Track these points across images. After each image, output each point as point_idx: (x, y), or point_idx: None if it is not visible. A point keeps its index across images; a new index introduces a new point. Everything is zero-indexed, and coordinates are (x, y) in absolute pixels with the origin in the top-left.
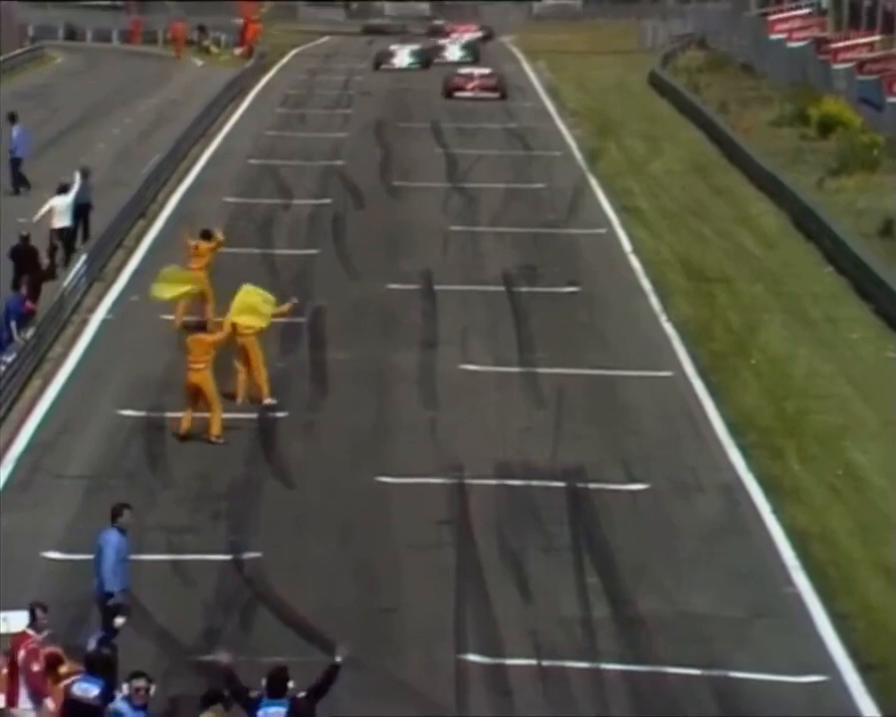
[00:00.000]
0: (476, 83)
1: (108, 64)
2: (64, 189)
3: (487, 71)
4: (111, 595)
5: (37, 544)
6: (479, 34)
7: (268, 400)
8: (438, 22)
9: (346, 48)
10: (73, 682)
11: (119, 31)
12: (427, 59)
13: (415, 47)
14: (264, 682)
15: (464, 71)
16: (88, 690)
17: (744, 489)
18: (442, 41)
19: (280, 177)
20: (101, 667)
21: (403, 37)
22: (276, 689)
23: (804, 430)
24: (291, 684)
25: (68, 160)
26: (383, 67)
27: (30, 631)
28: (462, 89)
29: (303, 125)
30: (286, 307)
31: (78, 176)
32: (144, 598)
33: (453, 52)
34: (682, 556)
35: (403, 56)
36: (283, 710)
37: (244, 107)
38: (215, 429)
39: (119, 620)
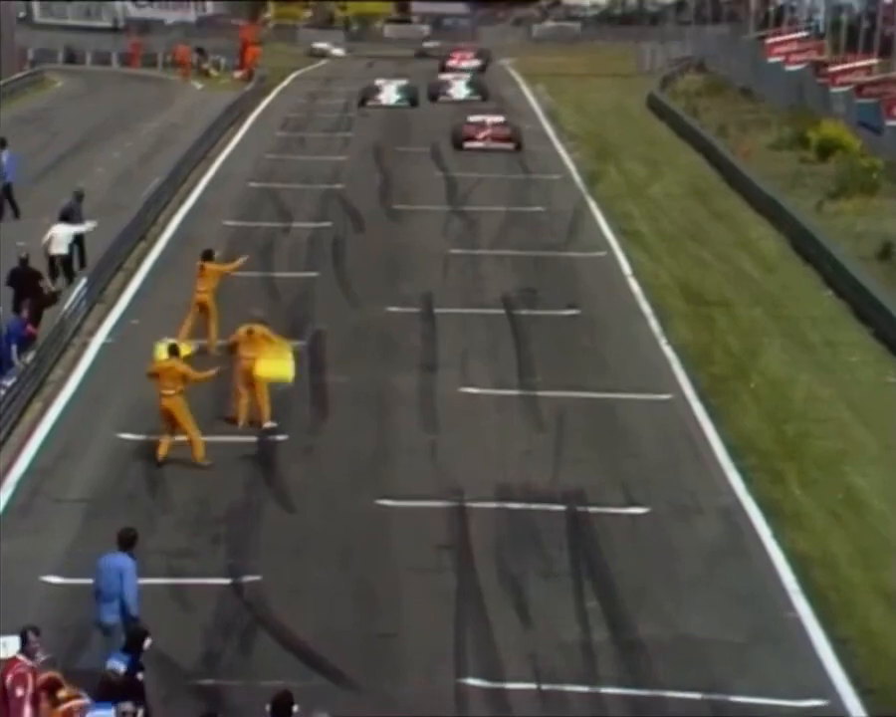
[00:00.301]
0: (488, 132)
1: (108, 87)
2: (65, 217)
3: (500, 119)
4: (136, 619)
5: (36, 568)
6: (476, 63)
7: (268, 424)
8: (429, 44)
9: (347, 71)
10: (85, 711)
11: (119, 54)
12: (415, 96)
13: (402, 82)
14: (268, 707)
15: (475, 119)
16: (117, 666)
17: (744, 513)
18: (445, 76)
19: (280, 200)
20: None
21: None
22: (280, 714)
23: (804, 454)
24: (296, 709)
25: (67, 185)
26: (370, 104)
27: (20, 656)
28: (473, 138)
29: (303, 149)
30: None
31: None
32: (143, 622)
33: (459, 89)
34: (682, 579)
35: (390, 93)
36: (122, 665)
37: (244, 130)
38: (198, 453)
39: (148, 643)
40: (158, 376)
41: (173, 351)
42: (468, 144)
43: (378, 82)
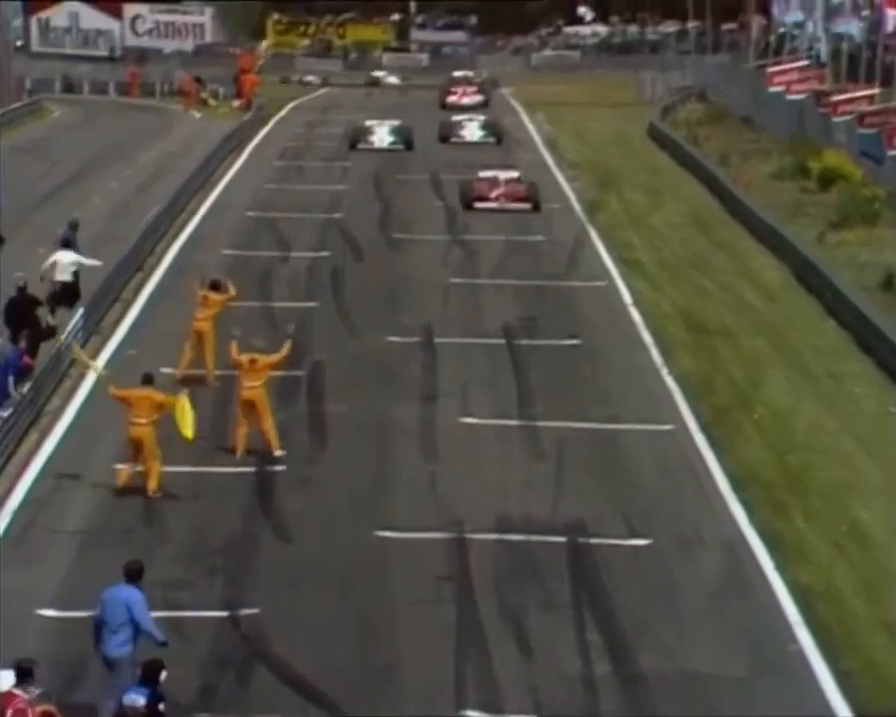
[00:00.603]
0: (502, 191)
1: (105, 116)
2: (66, 243)
3: (515, 174)
4: (166, 643)
5: (31, 601)
6: (479, 98)
7: (278, 452)
8: (379, 73)
9: (345, 99)
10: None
11: (117, 83)
12: (409, 137)
13: (395, 123)
14: (137, 671)
15: (487, 174)
16: (135, 700)
17: (746, 545)
18: (457, 117)
19: (278, 230)
20: (150, 678)
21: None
22: (150, 678)
23: (808, 485)
24: (164, 675)
25: (64, 214)
26: (360, 146)
27: (16, 691)
28: (485, 198)
29: (301, 178)
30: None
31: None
32: (139, 656)
33: (472, 131)
34: (684, 612)
35: (382, 134)
36: (142, 698)
37: (242, 159)
38: (152, 484)
39: (164, 675)
40: (130, 404)
41: (147, 380)
42: (479, 204)
43: (369, 122)
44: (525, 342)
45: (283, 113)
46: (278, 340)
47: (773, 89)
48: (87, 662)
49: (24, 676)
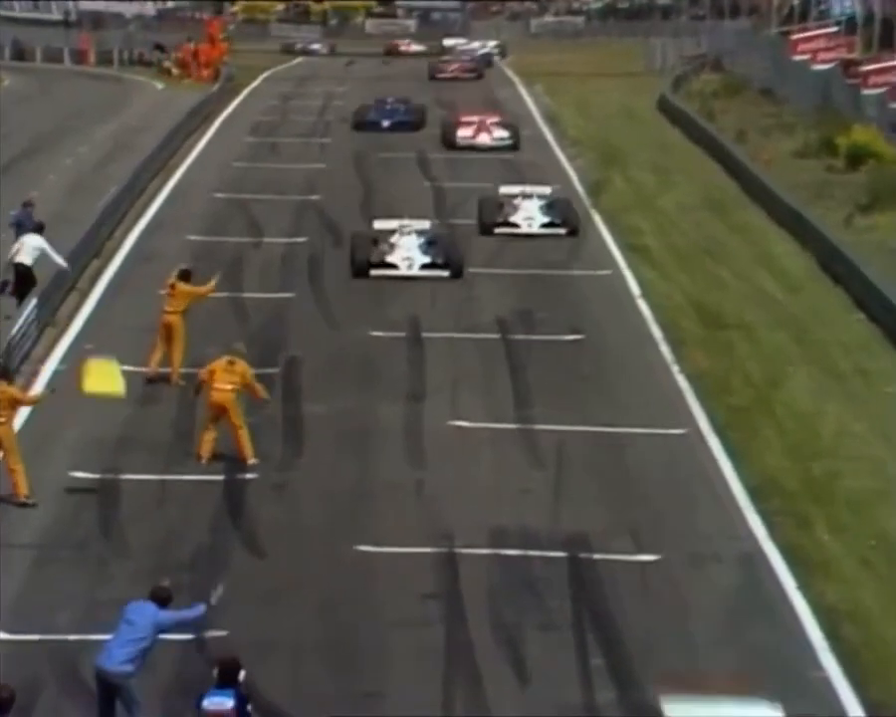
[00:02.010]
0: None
1: (59, 86)
2: (21, 225)
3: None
4: (204, 616)
5: None
6: (504, 134)
7: (252, 461)
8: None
9: (323, 70)
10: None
11: (71, 50)
12: (451, 252)
13: (424, 229)
14: (215, 672)
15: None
16: (222, 703)
17: (766, 561)
18: (506, 189)
19: (249, 213)
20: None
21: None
22: (227, 679)
23: (834, 495)
24: (242, 675)
25: (15, 194)
26: (375, 275)
27: None
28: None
29: (275, 156)
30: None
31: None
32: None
33: (530, 214)
34: (697, 635)
35: (411, 248)
36: (229, 701)
37: (209, 135)
38: (22, 489)
39: (243, 674)
40: None
41: (3, 373)
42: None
43: (391, 231)
44: (521, 337)
45: (255, 84)
46: (248, 335)
47: (796, 57)
48: (39, 690)
49: (1, 708)
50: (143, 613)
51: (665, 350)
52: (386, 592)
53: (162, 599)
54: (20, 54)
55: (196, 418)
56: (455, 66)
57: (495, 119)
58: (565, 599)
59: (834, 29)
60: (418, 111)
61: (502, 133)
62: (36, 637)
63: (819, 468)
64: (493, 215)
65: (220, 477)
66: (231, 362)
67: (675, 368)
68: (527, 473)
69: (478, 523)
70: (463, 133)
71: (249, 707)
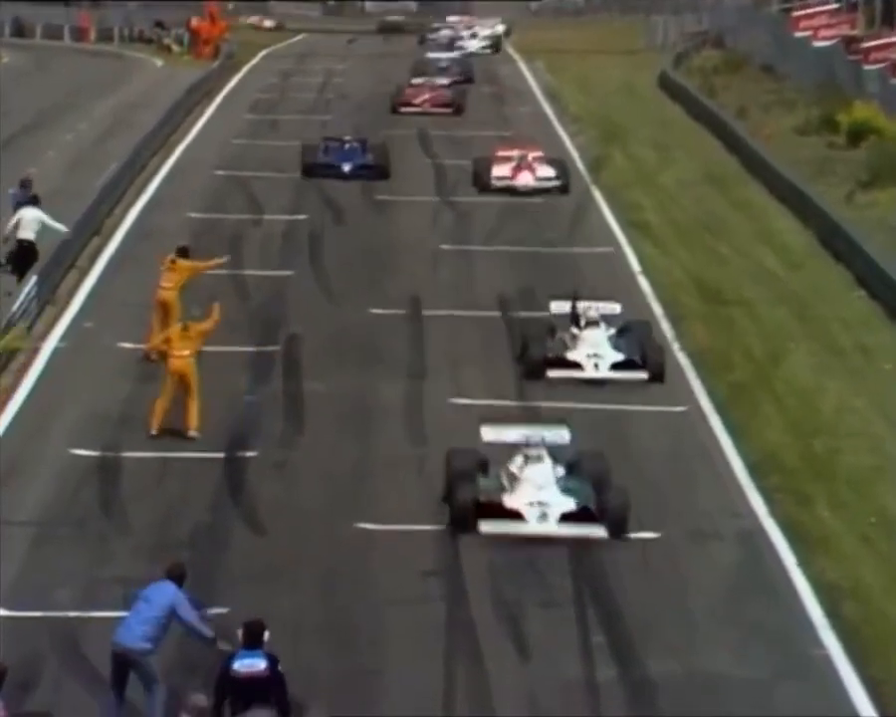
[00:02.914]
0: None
1: (59, 63)
2: (35, 200)
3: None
4: (215, 641)
5: None
6: (550, 174)
7: (192, 433)
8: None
9: (324, 47)
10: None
11: (71, 27)
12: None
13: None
14: (240, 632)
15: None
16: (254, 664)
17: (766, 538)
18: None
19: (249, 190)
20: (258, 639)
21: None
22: (253, 640)
23: (834, 472)
24: (267, 635)
25: (14, 170)
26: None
27: None
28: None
29: (275, 133)
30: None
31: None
32: (97, 659)
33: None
34: (697, 612)
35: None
36: (262, 661)
37: (209, 112)
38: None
39: (267, 634)
40: None
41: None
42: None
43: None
44: (522, 314)
45: (255, 60)
46: (248, 312)
47: (798, 34)
48: (41, 666)
49: None
50: (162, 592)
51: (665, 326)
52: (387, 569)
53: (178, 577)
54: (20, 31)
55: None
56: (426, 96)
57: (538, 154)
58: (566, 577)
59: (836, 5)
60: (381, 153)
61: (547, 171)
62: (37, 614)
63: (820, 445)
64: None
65: (220, 455)
66: (185, 329)
67: (675, 345)
68: None
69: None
70: (499, 172)
71: (280, 668)
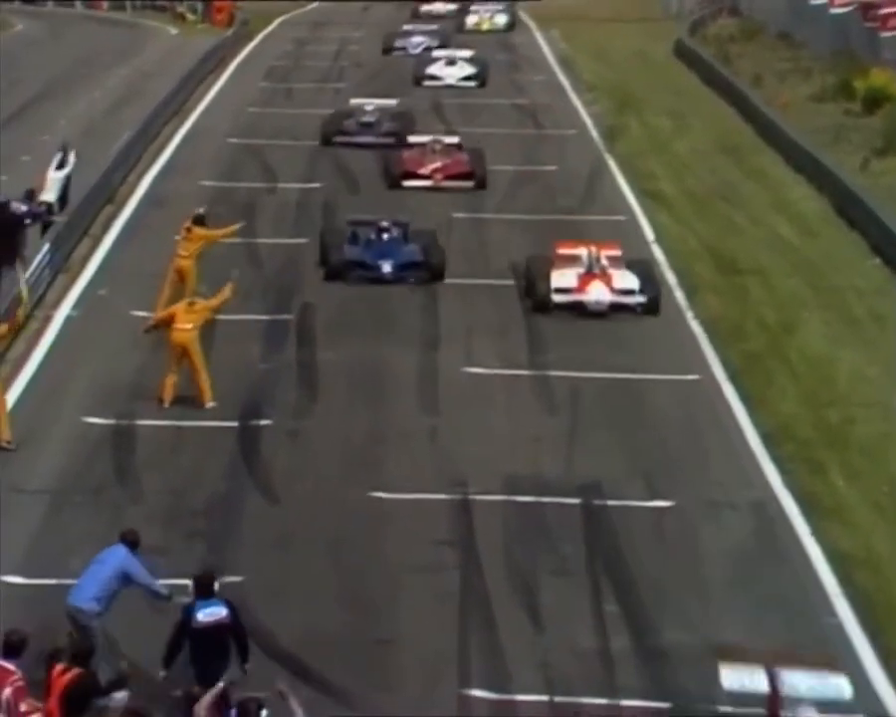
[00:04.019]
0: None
1: (72, 31)
2: (61, 164)
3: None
4: (170, 597)
5: None
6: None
7: (210, 404)
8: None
9: (339, 15)
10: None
11: None
12: None
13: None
14: (190, 584)
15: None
16: (216, 612)
17: (780, 507)
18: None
19: (263, 158)
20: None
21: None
22: (203, 592)
23: (848, 442)
24: (216, 586)
25: (27, 138)
26: None
27: (8, 665)
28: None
29: (289, 101)
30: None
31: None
32: (112, 628)
33: None
34: (711, 581)
35: None
36: (223, 609)
37: (223, 80)
38: (4, 434)
39: (217, 584)
40: None
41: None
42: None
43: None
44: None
45: (270, 28)
46: (262, 280)
47: (814, 1)
48: (55, 633)
49: (12, 652)
50: (114, 555)
51: (679, 295)
52: (400, 538)
53: (131, 542)
54: None
55: (212, 364)
56: (437, 164)
57: (614, 253)
58: (579, 546)
59: None
60: (430, 240)
61: (628, 280)
62: (52, 582)
63: (834, 414)
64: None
65: (234, 424)
66: (191, 304)
67: (689, 314)
68: (541, 419)
69: (492, 469)
70: (561, 282)
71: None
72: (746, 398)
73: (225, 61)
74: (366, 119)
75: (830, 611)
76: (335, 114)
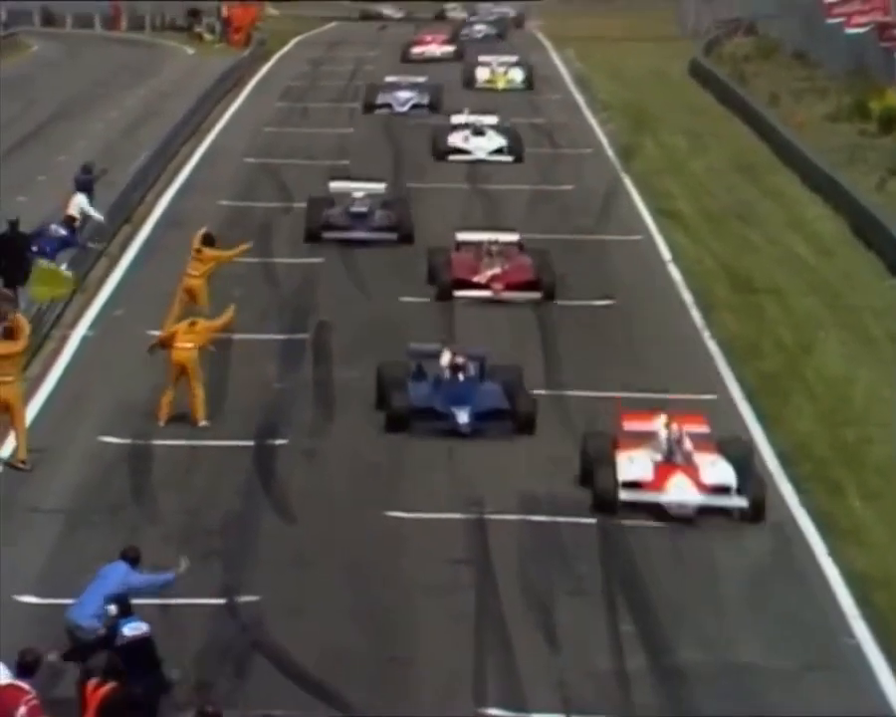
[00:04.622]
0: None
1: (89, 52)
2: (82, 188)
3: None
4: (174, 578)
5: (9, 586)
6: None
7: (203, 423)
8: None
9: (354, 35)
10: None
11: (102, 16)
12: None
13: None
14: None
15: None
16: (139, 627)
17: (797, 527)
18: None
19: (280, 178)
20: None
21: None
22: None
23: (865, 462)
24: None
25: (45, 158)
26: None
27: (23, 684)
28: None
29: (305, 120)
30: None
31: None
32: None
33: None
34: (727, 601)
35: None
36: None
37: (240, 100)
38: (21, 453)
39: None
40: None
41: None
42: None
43: None
44: (552, 302)
45: (286, 48)
46: (278, 299)
47: (831, 20)
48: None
49: (26, 671)
50: (115, 571)
51: (696, 315)
52: (416, 557)
53: (132, 559)
54: (49, 19)
55: (228, 383)
56: (495, 270)
57: (700, 429)
58: (595, 565)
59: None
60: (513, 378)
61: (722, 473)
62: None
63: (851, 434)
64: None
65: (250, 443)
66: (192, 324)
67: (706, 334)
68: (557, 439)
69: (508, 489)
70: (631, 472)
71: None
72: (762, 418)
73: (242, 81)
74: (356, 208)
75: (848, 631)
76: (313, 202)
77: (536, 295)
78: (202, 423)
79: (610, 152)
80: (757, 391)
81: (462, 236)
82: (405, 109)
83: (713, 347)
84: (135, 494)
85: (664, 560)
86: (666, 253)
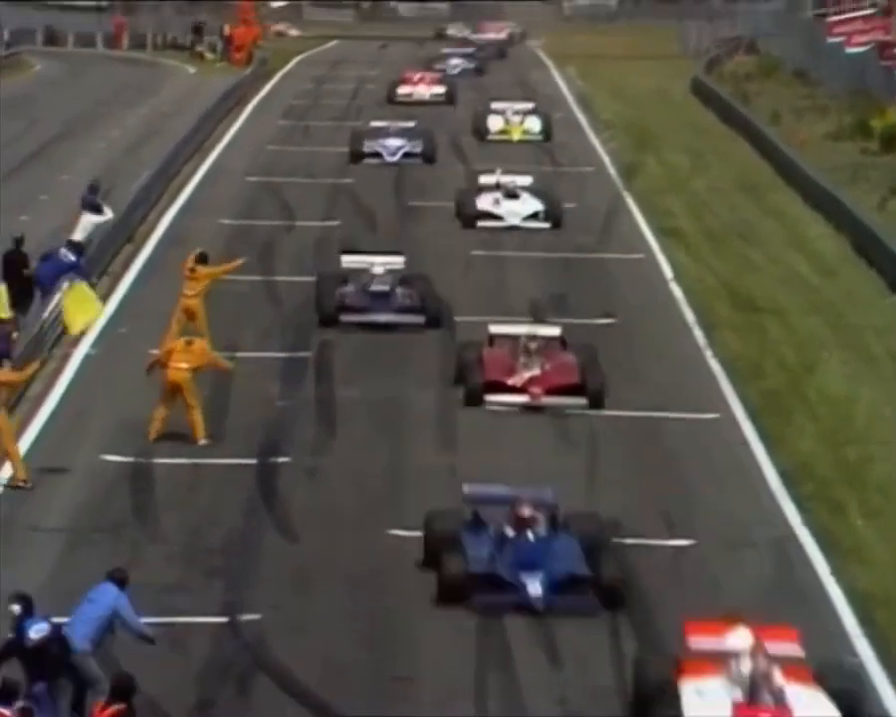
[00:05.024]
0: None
1: (91, 71)
2: (89, 208)
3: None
4: (153, 641)
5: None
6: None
7: (203, 441)
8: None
9: (356, 54)
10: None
11: (104, 35)
12: None
13: None
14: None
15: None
16: (44, 628)
17: (799, 546)
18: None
19: (282, 196)
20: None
21: None
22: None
23: (867, 481)
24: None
25: (47, 177)
26: None
27: (4, 711)
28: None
29: (307, 139)
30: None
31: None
32: (130, 665)
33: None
34: None
35: None
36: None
37: (242, 119)
38: (20, 473)
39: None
40: None
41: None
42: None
43: None
44: (554, 320)
45: (288, 67)
46: (281, 318)
47: (832, 40)
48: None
49: (8, 695)
50: (104, 593)
51: (698, 334)
52: (418, 575)
53: (120, 581)
54: (52, 38)
55: (230, 401)
56: (535, 371)
57: (791, 652)
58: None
59: (870, 11)
60: (594, 528)
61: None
62: (67, 621)
63: (853, 453)
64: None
65: (252, 461)
66: (189, 343)
67: (708, 353)
68: (559, 457)
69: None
70: (703, 710)
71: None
72: (765, 437)
73: (244, 99)
74: (377, 286)
75: (851, 650)
76: (324, 278)
77: (580, 401)
78: (202, 442)
79: (612, 171)
80: (759, 411)
81: (495, 329)
82: (396, 158)
83: (715, 365)
84: (137, 512)
85: (667, 578)
86: (668, 271)
